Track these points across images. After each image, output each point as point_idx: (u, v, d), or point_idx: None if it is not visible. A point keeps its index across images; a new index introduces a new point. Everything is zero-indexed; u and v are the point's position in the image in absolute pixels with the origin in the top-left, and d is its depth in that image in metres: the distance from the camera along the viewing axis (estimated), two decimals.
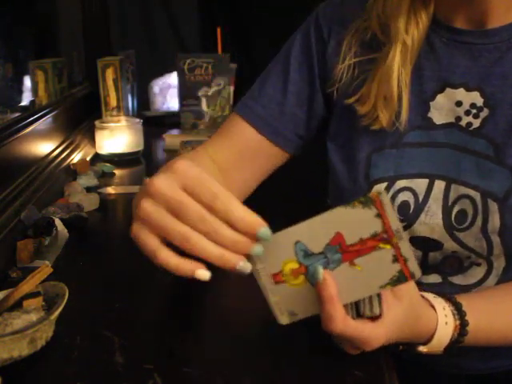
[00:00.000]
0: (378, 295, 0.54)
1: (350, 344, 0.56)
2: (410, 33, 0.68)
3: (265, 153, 0.81)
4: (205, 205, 0.48)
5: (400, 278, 0.51)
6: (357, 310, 0.54)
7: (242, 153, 0.80)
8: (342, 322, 0.52)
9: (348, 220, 0.49)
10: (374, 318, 0.54)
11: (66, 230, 0.93)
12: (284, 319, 0.55)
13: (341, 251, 0.50)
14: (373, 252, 0.49)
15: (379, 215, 0.48)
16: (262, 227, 0.48)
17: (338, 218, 0.49)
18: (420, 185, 0.71)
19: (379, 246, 0.49)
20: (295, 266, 0.51)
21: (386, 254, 0.50)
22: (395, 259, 0.50)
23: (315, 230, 0.50)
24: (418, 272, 0.50)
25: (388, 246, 0.49)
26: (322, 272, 0.52)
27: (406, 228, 0.72)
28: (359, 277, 0.51)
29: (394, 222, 0.48)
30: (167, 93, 2.03)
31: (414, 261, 0.50)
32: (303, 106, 0.80)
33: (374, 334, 0.54)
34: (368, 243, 0.49)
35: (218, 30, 1.51)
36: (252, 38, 2.40)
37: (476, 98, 0.69)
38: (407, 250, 0.49)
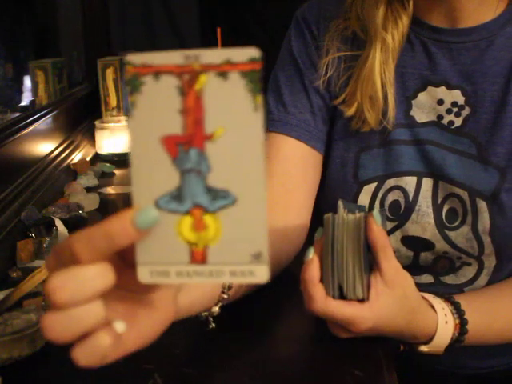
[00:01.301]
0: (362, 279, 0.55)
1: (337, 326, 0.57)
2: (389, 31, 0.68)
3: (311, 162, 0.75)
4: None
5: None
6: (340, 293, 0.55)
7: (292, 170, 0.73)
8: (322, 302, 0.54)
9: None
10: (360, 301, 0.55)
11: (66, 230, 0.92)
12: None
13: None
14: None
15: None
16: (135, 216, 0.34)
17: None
18: (409, 183, 0.71)
19: None
20: (188, 220, 0.34)
21: None
22: None
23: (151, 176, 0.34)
24: None
25: None
26: (312, 252, 0.54)
27: (397, 227, 0.72)
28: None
29: None
30: None
31: None
32: (325, 102, 0.75)
33: (358, 315, 0.54)
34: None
35: (218, 30, 1.51)
36: (252, 38, 2.41)
37: (457, 96, 0.69)
38: None
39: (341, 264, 0.55)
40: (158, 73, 0.32)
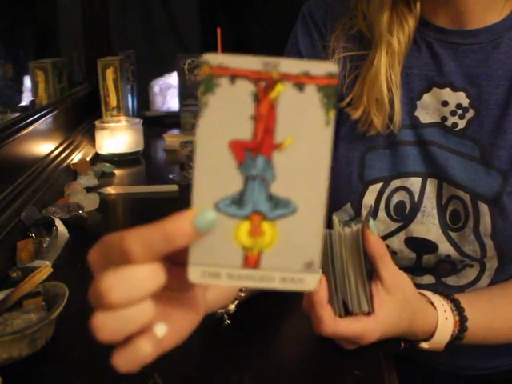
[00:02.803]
0: (365, 292, 0.55)
1: (345, 341, 0.57)
2: (394, 34, 0.68)
3: None
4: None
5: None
6: (345, 308, 0.55)
7: None
8: (332, 323, 0.54)
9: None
10: (366, 314, 0.55)
11: (66, 230, 0.92)
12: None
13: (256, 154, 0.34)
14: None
15: None
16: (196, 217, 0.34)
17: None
18: (414, 183, 0.71)
19: None
20: (246, 226, 0.34)
21: None
22: None
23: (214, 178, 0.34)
24: None
25: None
26: (320, 275, 0.54)
27: (402, 228, 0.72)
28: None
29: None
30: (167, 93, 2.03)
31: None
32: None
33: (367, 329, 0.55)
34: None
35: (218, 30, 1.50)
36: (252, 38, 2.40)
37: (462, 98, 0.69)
38: None
39: (343, 280, 0.55)
40: (234, 76, 0.32)
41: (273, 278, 0.34)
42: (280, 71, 0.32)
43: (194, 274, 0.34)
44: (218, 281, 0.35)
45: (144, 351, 0.34)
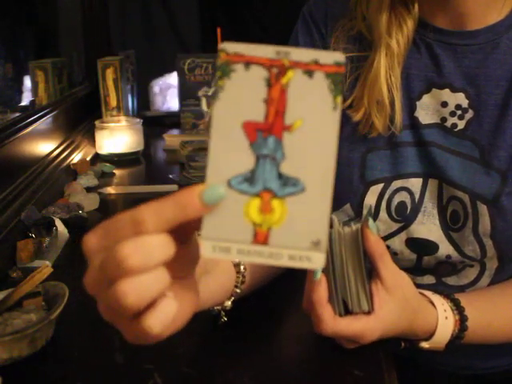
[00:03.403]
0: (365, 291, 0.55)
1: (345, 340, 0.57)
2: (393, 36, 0.68)
3: None
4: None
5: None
6: (345, 307, 0.55)
7: None
8: (332, 322, 0.54)
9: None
10: (366, 314, 0.55)
11: (66, 230, 0.93)
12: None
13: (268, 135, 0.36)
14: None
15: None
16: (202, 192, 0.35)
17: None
18: (415, 184, 0.71)
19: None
20: (256, 202, 0.36)
21: None
22: None
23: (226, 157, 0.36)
24: None
25: None
26: (320, 272, 0.54)
27: (403, 229, 0.72)
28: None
29: None
30: (167, 93, 2.03)
31: None
32: None
33: (367, 328, 0.55)
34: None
35: (218, 30, 1.50)
36: (252, 38, 2.40)
37: (461, 99, 0.69)
38: None
39: (342, 279, 0.55)
40: (248, 63, 0.35)
41: (281, 255, 0.36)
42: (291, 59, 0.35)
43: (205, 248, 0.36)
44: (229, 256, 0.36)
45: (171, 308, 0.36)
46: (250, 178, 0.35)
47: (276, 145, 0.35)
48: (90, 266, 0.37)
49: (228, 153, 0.35)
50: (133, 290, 0.34)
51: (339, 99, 0.35)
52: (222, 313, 0.61)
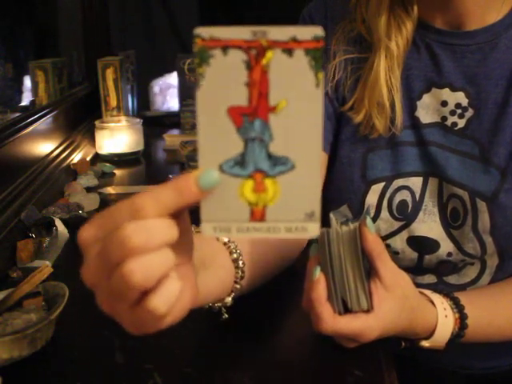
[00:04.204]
0: (364, 289, 0.55)
1: (344, 339, 0.57)
2: (392, 38, 0.68)
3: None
4: None
5: None
6: (344, 306, 0.55)
7: None
8: (331, 321, 0.54)
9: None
10: (365, 312, 0.55)
11: (66, 230, 0.93)
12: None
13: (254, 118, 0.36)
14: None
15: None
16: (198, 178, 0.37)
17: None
18: (416, 183, 0.72)
19: None
20: (250, 183, 0.37)
21: None
22: None
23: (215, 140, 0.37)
24: None
25: None
26: (319, 271, 0.54)
27: (404, 227, 0.73)
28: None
29: None
30: (167, 93, 2.02)
31: None
32: (333, 105, 0.76)
33: (366, 326, 0.55)
34: None
35: None
36: None
37: (461, 98, 0.69)
38: None
39: (341, 278, 0.55)
40: (226, 47, 0.34)
41: (278, 228, 0.37)
42: (269, 39, 0.34)
43: (206, 229, 0.37)
44: (229, 234, 0.38)
45: (175, 288, 0.37)
46: (241, 161, 0.36)
47: (262, 127, 0.36)
48: (86, 258, 0.37)
49: (216, 140, 0.36)
50: (140, 268, 0.34)
51: (321, 75, 0.34)
52: (223, 309, 0.61)
